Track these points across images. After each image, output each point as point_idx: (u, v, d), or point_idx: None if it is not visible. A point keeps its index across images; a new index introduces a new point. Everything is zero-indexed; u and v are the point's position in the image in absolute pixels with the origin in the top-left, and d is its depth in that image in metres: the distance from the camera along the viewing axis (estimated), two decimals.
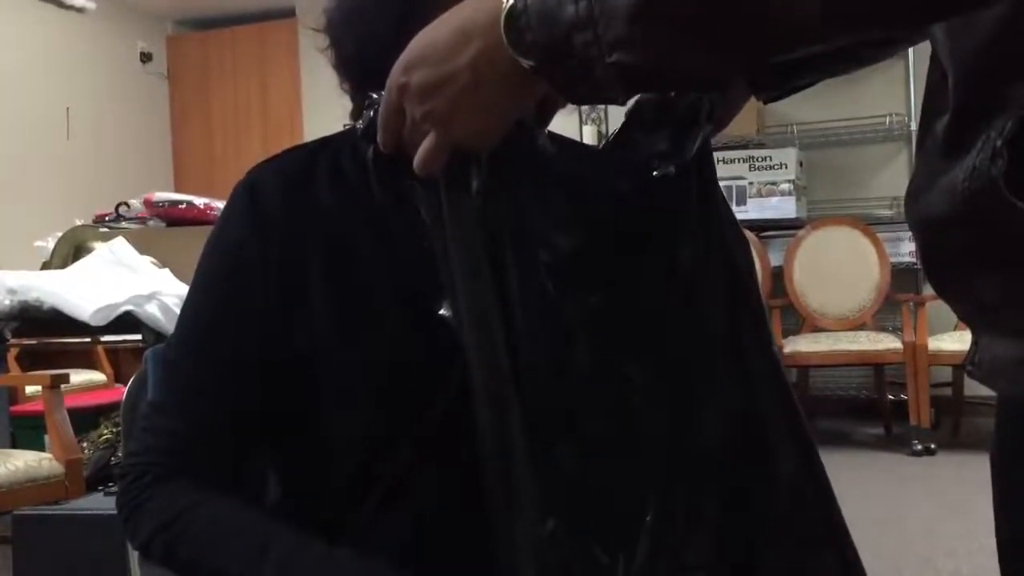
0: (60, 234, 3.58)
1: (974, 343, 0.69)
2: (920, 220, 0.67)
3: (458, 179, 0.68)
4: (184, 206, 3.64)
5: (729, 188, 4.59)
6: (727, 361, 0.76)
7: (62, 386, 2.64)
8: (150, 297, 2.56)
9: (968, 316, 0.68)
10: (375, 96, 0.74)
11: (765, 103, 0.92)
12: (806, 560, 0.77)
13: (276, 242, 0.83)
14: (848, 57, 0.83)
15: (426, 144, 0.67)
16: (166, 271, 3.00)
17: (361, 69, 0.85)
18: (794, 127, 4.88)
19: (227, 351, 0.84)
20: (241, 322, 0.84)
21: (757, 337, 0.78)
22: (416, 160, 0.68)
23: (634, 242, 0.75)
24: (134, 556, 0.93)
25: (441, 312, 0.71)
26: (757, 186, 4.67)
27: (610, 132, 0.76)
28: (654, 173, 0.73)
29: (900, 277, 4.53)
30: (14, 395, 3.30)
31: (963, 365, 0.71)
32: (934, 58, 0.68)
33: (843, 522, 0.79)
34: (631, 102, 0.79)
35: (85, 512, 2.19)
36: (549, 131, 0.80)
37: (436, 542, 0.81)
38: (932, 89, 0.69)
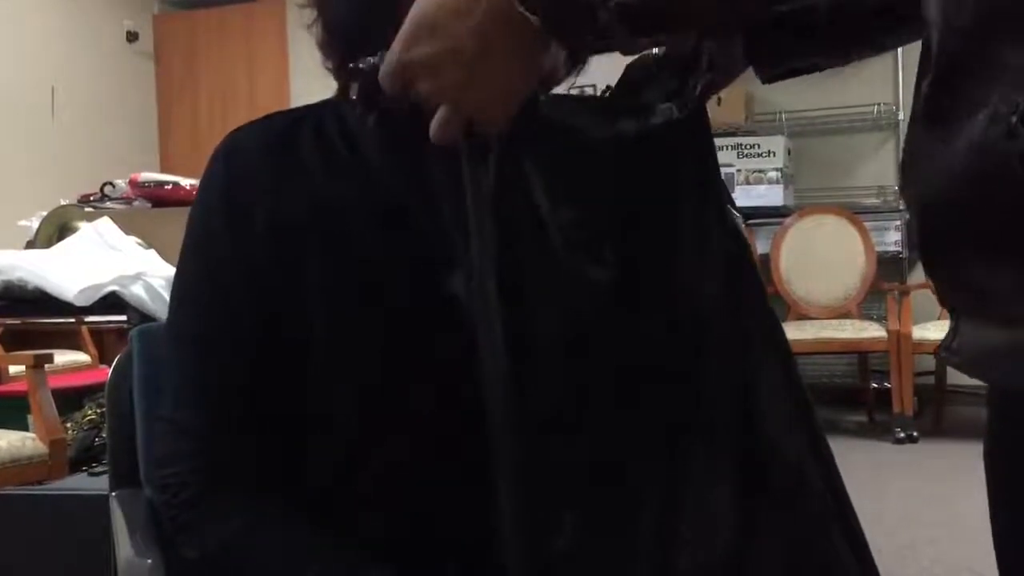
0: (44, 214, 3.55)
1: (953, 329, 0.67)
2: (917, 197, 0.64)
3: (476, 151, 0.67)
4: (170, 186, 3.62)
5: None
6: (731, 339, 0.75)
7: (46, 366, 2.63)
8: (135, 278, 2.55)
9: (956, 301, 0.66)
10: (362, 65, 0.71)
11: (764, 82, 0.91)
12: (814, 537, 0.77)
13: (261, 223, 0.80)
14: (848, 44, 0.82)
15: (439, 117, 0.65)
16: (152, 252, 2.98)
17: (348, 46, 0.81)
18: (782, 115, 4.88)
19: (225, 346, 0.81)
20: (234, 313, 0.81)
21: (762, 316, 0.78)
22: (432, 131, 0.65)
23: (637, 214, 0.75)
24: (118, 537, 0.92)
25: (452, 288, 0.70)
26: (745, 174, 4.68)
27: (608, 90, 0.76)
28: (662, 106, 0.73)
29: (885, 266, 4.55)
30: None
31: (937, 350, 0.70)
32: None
33: (849, 501, 0.79)
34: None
35: (69, 493, 2.18)
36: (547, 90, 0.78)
37: (433, 524, 0.79)
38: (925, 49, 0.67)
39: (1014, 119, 0.53)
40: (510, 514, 0.67)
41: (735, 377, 0.75)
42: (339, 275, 0.79)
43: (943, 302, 0.68)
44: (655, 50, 0.80)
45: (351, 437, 0.80)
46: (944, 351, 0.67)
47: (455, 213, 0.69)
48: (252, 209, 0.80)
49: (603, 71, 0.84)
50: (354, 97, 0.74)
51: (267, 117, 0.87)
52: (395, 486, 0.79)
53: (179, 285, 0.85)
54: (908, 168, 0.64)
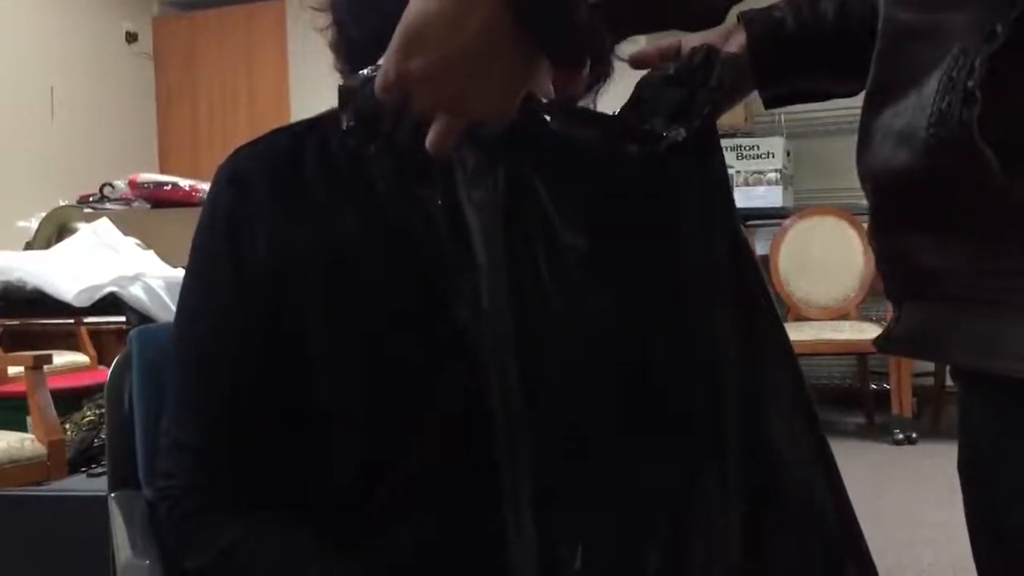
0: (43, 214, 3.56)
1: (895, 319, 0.64)
2: (871, 174, 0.61)
3: (482, 173, 0.66)
4: (169, 187, 3.63)
5: None
6: (736, 350, 0.75)
7: (45, 367, 2.62)
8: (134, 278, 2.55)
9: (902, 286, 0.63)
10: (353, 83, 0.69)
11: (766, 105, 0.90)
12: (820, 545, 0.77)
13: (264, 245, 0.79)
14: (857, 69, 0.81)
15: (438, 127, 0.63)
16: (150, 252, 2.98)
17: (364, 52, 0.79)
18: (782, 116, 4.88)
19: (225, 368, 0.81)
20: (234, 332, 0.80)
21: (767, 322, 0.77)
22: (429, 142, 0.63)
23: (640, 235, 0.74)
24: (117, 538, 0.92)
25: (456, 312, 0.69)
26: (744, 175, 4.68)
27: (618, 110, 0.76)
28: (664, 135, 0.73)
29: None
30: None
31: (875, 342, 0.68)
32: None
33: (851, 506, 0.78)
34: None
35: (67, 494, 2.18)
36: (557, 102, 0.77)
37: (437, 555, 0.77)
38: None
39: (970, 83, 0.51)
40: (522, 545, 0.67)
41: (743, 393, 0.74)
42: (343, 298, 0.78)
43: (889, 294, 0.65)
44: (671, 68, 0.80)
45: (354, 460, 0.79)
46: (883, 340, 0.65)
47: (455, 236, 0.68)
48: (255, 231, 0.80)
49: (613, 90, 0.84)
50: (346, 126, 0.72)
51: (270, 134, 0.86)
52: (399, 515, 0.78)
53: (184, 298, 0.85)
54: (861, 144, 0.62)
